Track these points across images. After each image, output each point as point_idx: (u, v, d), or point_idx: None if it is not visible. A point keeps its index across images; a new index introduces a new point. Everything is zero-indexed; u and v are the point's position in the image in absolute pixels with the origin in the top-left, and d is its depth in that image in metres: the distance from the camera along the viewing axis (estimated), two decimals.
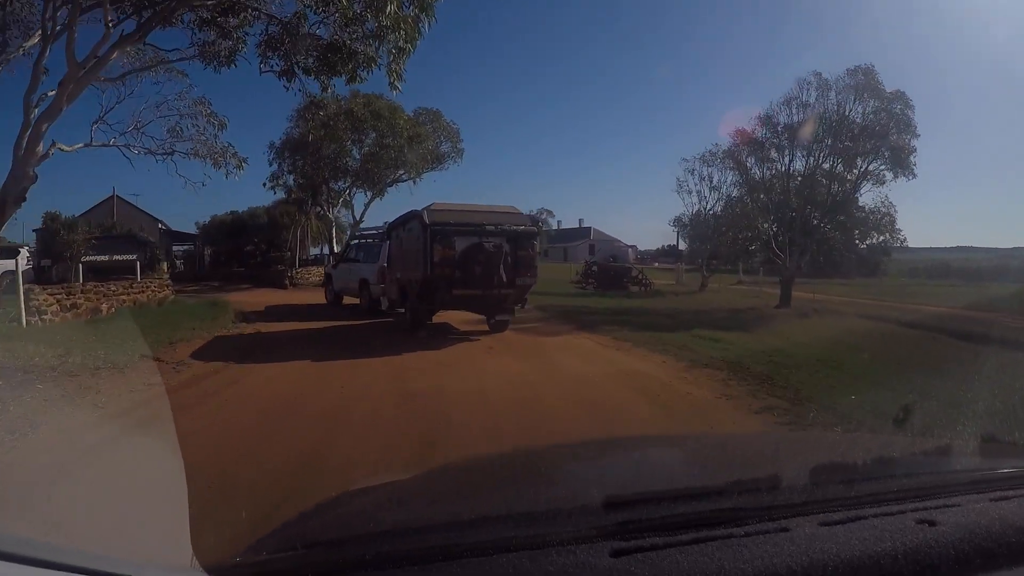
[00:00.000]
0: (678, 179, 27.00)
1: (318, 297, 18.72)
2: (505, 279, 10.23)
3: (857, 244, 23.11)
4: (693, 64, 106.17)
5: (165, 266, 20.75)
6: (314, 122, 25.09)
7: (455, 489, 1.65)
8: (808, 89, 18.02)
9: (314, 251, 32.98)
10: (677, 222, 29.19)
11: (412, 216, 11.14)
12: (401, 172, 28.40)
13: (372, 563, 1.01)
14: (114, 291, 13.03)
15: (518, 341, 10.32)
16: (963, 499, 1.24)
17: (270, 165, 27.89)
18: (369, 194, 29.68)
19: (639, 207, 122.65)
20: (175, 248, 45.33)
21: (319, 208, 27.32)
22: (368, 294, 15.04)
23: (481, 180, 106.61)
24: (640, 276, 26.17)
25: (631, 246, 65.31)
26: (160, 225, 37.59)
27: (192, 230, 36.42)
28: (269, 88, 62.77)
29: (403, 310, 12.50)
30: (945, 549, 1.04)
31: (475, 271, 10.09)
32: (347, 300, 16.81)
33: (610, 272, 27.73)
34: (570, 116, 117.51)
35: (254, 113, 61.41)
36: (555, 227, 68.26)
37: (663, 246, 61.43)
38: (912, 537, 1.07)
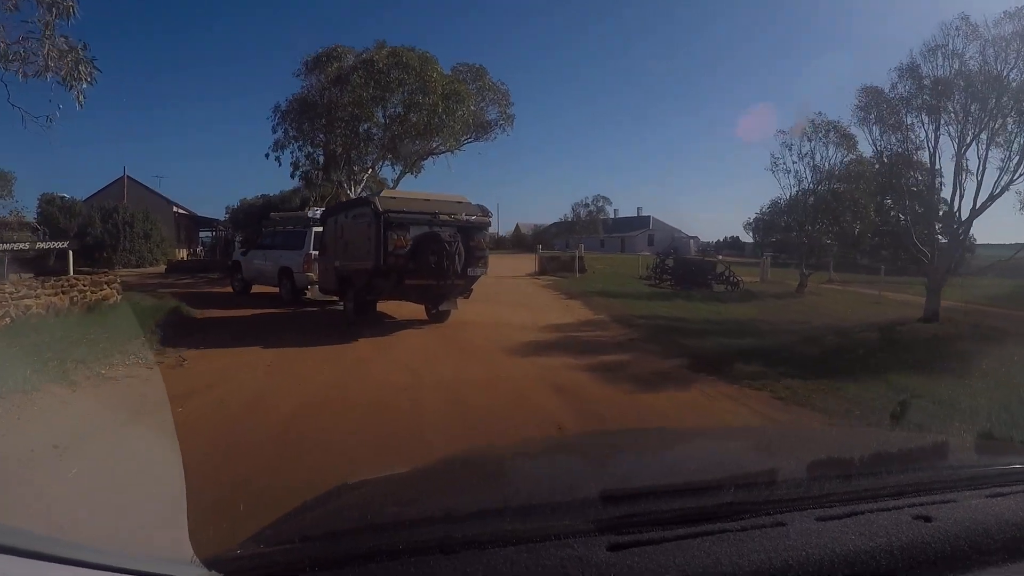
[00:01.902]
0: (773, 156, 24.61)
1: None
2: (459, 269, 10.54)
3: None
4: (767, 45, 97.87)
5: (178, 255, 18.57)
6: (328, 75, 21.31)
7: (453, 482, 1.68)
8: (955, 37, 14.92)
9: None
10: (772, 207, 25.06)
11: (359, 203, 11.63)
12: (437, 143, 23.34)
13: (369, 556, 1.02)
14: (13, 293, 9.59)
15: (613, 407, 6.83)
16: (959, 495, 1.27)
17: (273, 132, 23.56)
18: (398, 169, 25.24)
19: (700, 196, 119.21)
20: (201, 234, 43.09)
21: (334, 183, 22.70)
22: (291, 283, 15.16)
23: (526, 161, 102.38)
24: (727, 273, 23.93)
25: (692, 237, 64.56)
26: (176, 209, 34.65)
27: (222, 216, 35.58)
28: (273, 47, 58.08)
29: (334, 298, 13.28)
30: (941, 545, 1.07)
31: (429, 261, 10.34)
32: (257, 289, 16.89)
33: (691, 267, 25.65)
34: (631, 95, 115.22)
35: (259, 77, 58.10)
36: (611, 216, 66.10)
37: (725, 238, 61.51)
38: (908, 533, 1.09)
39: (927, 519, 1.14)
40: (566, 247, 47.20)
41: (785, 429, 4.55)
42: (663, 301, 17.88)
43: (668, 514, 1.14)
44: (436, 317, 11.89)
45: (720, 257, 34.39)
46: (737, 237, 58.45)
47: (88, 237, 27.01)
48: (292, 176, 24.05)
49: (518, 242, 66.55)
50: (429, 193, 11.69)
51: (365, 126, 22.62)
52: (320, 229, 14.12)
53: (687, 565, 1.00)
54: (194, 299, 14.95)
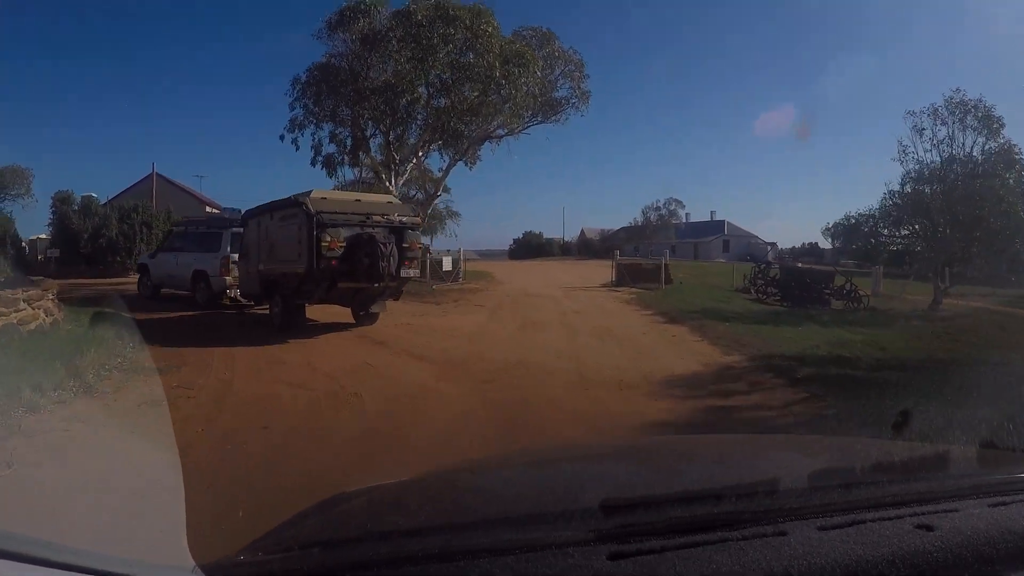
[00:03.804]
0: (900, 142, 21.27)
1: None
2: (393, 272, 10.70)
3: None
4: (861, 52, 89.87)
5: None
6: (354, 34, 16.55)
7: (452, 491, 1.75)
8: None
9: None
10: (896, 195, 21.88)
11: (287, 204, 11.45)
12: (495, 125, 18.97)
13: (368, 565, 1.06)
14: None
15: None
16: (962, 504, 1.31)
17: (291, 109, 20.09)
18: (447, 156, 20.79)
19: (773, 200, 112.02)
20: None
21: (365, 171, 18.75)
22: (207, 287, 15.11)
23: (593, 154, 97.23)
24: (849, 286, 20.76)
25: (770, 243, 63.04)
26: (210, 209, 31.47)
27: None
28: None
29: (251, 302, 13.85)
30: (943, 554, 1.09)
31: (363, 263, 10.42)
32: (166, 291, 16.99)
33: (803, 278, 22.11)
34: (706, 92, 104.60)
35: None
36: (683, 220, 64.48)
37: (803, 244, 58.97)
38: (910, 542, 1.12)
39: (929, 528, 1.16)
40: (635, 253, 45.77)
41: (786, 438, 4.43)
42: (791, 327, 14.43)
43: (669, 523, 1.17)
44: (364, 320, 12.16)
45: (837, 267, 29.13)
46: (815, 243, 55.49)
47: (102, 239, 23.97)
48: (313, 163, 21.24)
49: (584, 248, 65.38)
50: (359, 193, 12.45)
51: (405, 100, 18.15)
52: (238, 231, 14.36)
53: (688, 574, 1.02)
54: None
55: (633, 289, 23.20)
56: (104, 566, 0.96)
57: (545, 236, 70.57)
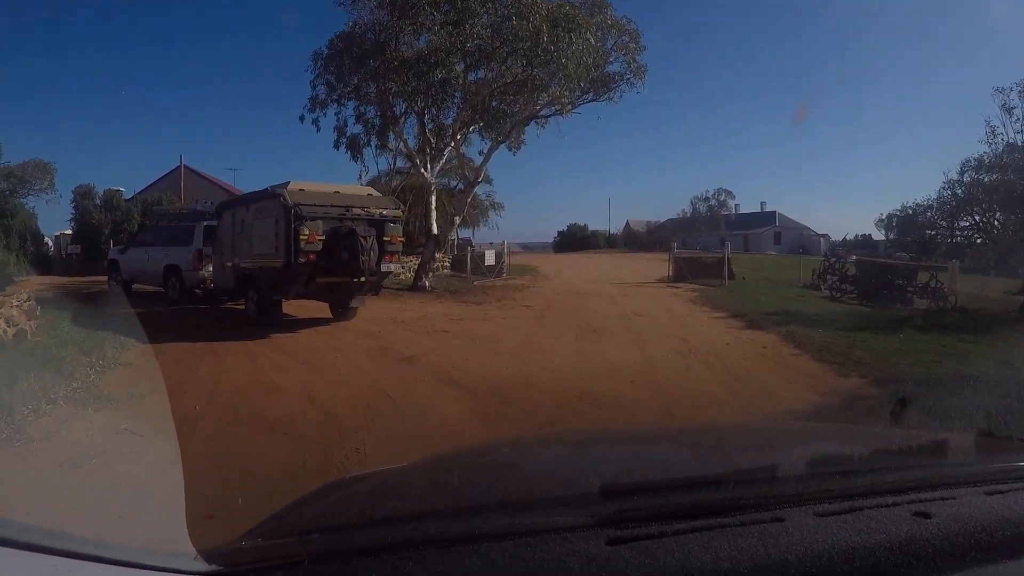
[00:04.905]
0: (988, 123, 20.90)
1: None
2: (374, 266, 10.59)
3: None
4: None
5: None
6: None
7: (450, 477, 1.72)
8: None
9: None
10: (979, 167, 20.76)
11: (263, 195, 11.23)
12: (542, 104, 16.69)
13: (367, 550, 1.06)
14: None
15: None
16: (959, 492, 1.31)
17: (313, 88, 18.15)
18: (487, 140, 18.86)
19: (823, 191, 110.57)
20: None
21: (395, 157, 17.08)
22: (179, 282, 14.57)
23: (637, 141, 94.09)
24: (934, 283, 18.89)
25: (822, 235, 60.36)
26: None
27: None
28: None
29: (223, 296, 13.56)
30: (940, 541, 1.10)
31: (343, 257, 10.18)
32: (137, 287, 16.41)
33: (884, 274, 20.50)
34: (761, 80, 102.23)
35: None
36: (733, 211, 62.85)
37: (856, 235, 54.93)
38: (907, 529, 1.12)
39: (926, 516, 1.16)
40: (683, 245, 43.78)
41: (785, 425, 4.54)
42: (890, 334, 12.11)
43: (667, 508, 1.17)
44: (342, 315, 11.95)
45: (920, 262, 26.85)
46: (868, 235, 52.79)
47: (123, 234, 23.01)
48: (336, 145, 19.14)
49: (631, 240, 63.79)
50: (337, 185, 11.63)
51: (440, 74, 15.99)
52: (211, 224, 14.15)
53: (686, 560, 1.02)
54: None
55: (693, 285, 21.26)
56: (104, 553, 0.98)
57: (590, 228, 68.92)
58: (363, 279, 10.69)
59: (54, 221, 53.27)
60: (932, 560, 1.05)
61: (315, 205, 10.34)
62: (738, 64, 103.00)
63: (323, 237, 10.21)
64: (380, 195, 12.02)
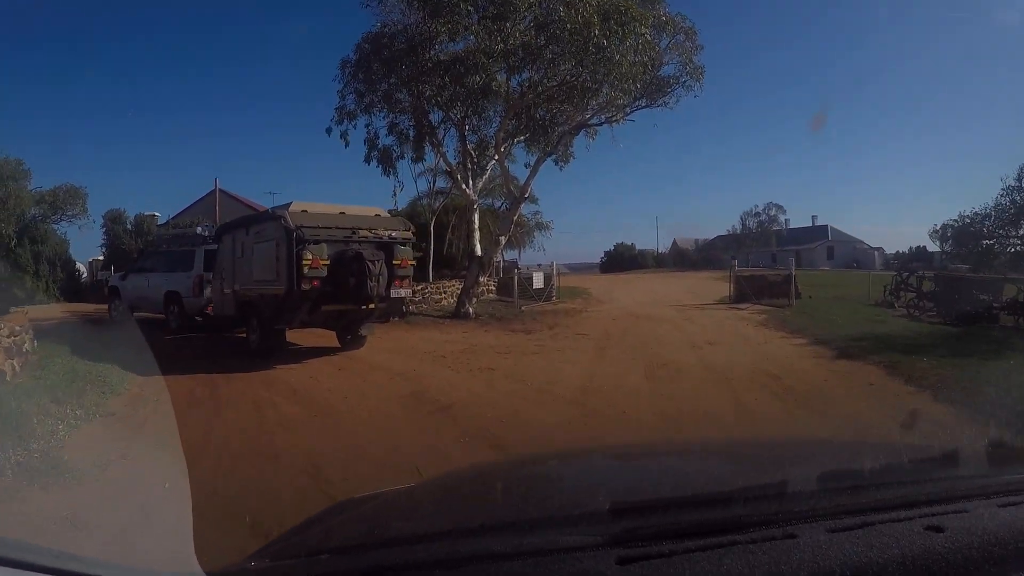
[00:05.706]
0: None
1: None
2: (383, 292, 10.03)
3: None
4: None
5: None
6: None
7: (459, 496, 1.75)
8: None
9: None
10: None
11: (264, 217, 11.37)
12: (591, 112, 15.22)
13: (375, 571, 1.07)
14: None
15: None
16: (971, 505, 1.30)
17: (342, 99, 17.22)
18: (533, 153, 17.92)
19: (879, 202, 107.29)
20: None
21: (435, 174, 15.83)
22: (180, 309, 14.20)
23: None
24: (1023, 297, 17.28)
25: (876, 248, 59.63)
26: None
27: None
28: None
29: (213, 324, 13.37)
30: (953, 555, 1.08)
31: (350, 283, 9.71)
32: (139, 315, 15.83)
33: (966, 290, 18.62)
34: (812, 92, 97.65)
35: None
36: (784, 226, 62.40)
37: (910, 248, 55.36)
38: (920, 544, 1.12)
39: (939, 529, 1.15)
40: (733, 262, 41.63)
41: (794, 440, 4.17)
42: (999, 360, 10.34)
43: (678, 526, 1.17)
44: (350, 344, 11.33)
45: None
46: (923, 247, 51.98)
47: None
48: (367, 159, 17.77)
49: (679, 259, 63.51)
50: (343, 206, 10.98)
51: (480, 78, 14.59)
52: (212, 248, 13.72)
53: None
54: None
55: (759, 306, 19.86)
56: (113, 574, 0.98)
57: (637, 248, 68.11)
58: (372, 306, 10.19)
59: (87, 247, 54.28)
60: (945, 574, 1.04)
61: (319, 227, 9.91)
62: (787, 77, 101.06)
63: (328, 262, 9.73)
64: (388, 215, 11.55)
